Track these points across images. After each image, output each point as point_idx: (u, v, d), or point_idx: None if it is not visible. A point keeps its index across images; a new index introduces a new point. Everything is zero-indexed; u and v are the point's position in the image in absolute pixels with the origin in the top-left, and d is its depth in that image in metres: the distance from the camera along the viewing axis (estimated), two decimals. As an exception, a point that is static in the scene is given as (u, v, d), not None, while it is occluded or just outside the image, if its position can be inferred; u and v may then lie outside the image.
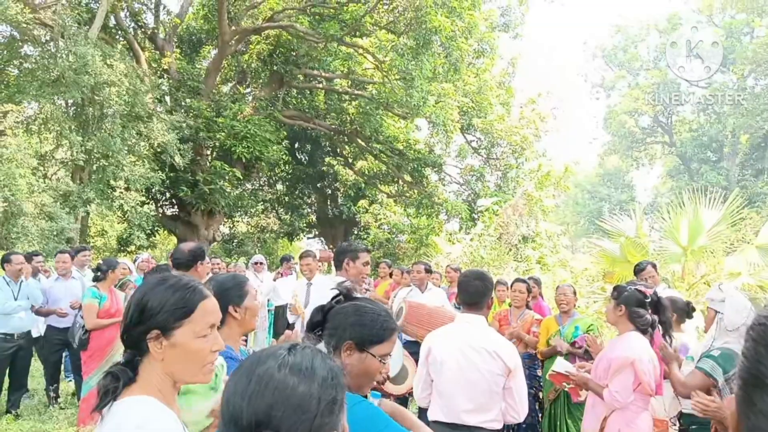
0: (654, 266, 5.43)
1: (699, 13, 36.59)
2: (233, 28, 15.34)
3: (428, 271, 6.45)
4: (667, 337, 3.61)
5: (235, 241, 21.90)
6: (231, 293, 2.30)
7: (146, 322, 1.42)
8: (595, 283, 11.86)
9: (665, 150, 37.83)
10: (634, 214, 10.53)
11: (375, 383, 1.88)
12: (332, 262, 3.82)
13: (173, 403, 1.48)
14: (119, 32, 15.70)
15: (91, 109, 11.82)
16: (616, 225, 10.51)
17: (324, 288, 2.56)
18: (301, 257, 6.05)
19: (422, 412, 5.39)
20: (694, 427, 3.35)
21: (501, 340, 3.03)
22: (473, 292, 3.04)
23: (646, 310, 3.29)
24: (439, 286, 7.00)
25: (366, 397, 1.85)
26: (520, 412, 2.95)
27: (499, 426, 2.97)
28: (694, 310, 4.22)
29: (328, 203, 22.84)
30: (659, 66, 37.48)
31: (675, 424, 3.61)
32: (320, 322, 1.86)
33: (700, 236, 9.08)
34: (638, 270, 5.39)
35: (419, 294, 5.85)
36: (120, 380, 1.38)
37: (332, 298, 1.91)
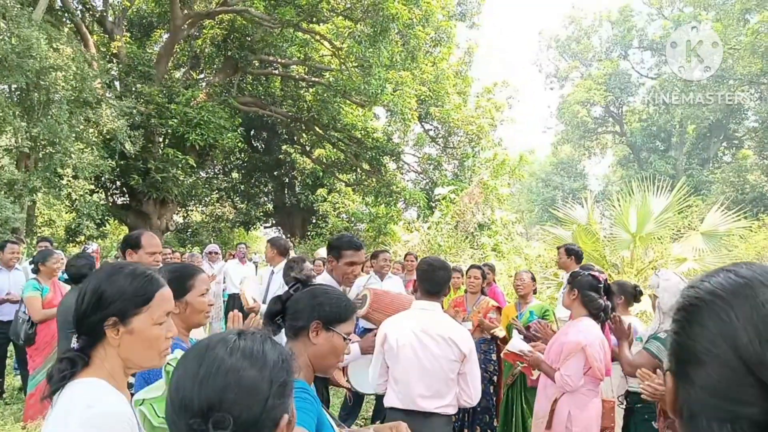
0: (567, 251, 5.66)
1: (650, 6, 37.60)
2: (186, 11, 14.93)
3: (388, 259, 6.47)
4: (609, 321, 3.74)
5: (190, 230, 21.47)
6: (170, 286, 2.22)
7: (103, 310, 1.44)
8: (549, 269, 12.14)
9: (616, 139, 38.88)
10: (585, 202, 10.76)
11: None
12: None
13: (124, 388, 1.49)
14: (66, 15, 15.08)
15: (36, 94, 11.32)
16: (568, 213, 10.70)
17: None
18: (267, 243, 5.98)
19: (379, 399, 5.44)
20: (639, 405, 3.47)
21: (455, 327, 3.06)
22: (438, 281, 3.07)
23: (599, 295, 3.39)
24: (397, 275, 7.03)
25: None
26: (473, 397, 3.01)
27: (454, 411, 3.02)
28: (641, 293, 4.37)
29: (286, 192, 22.61)
30: (611, 57, 38.40)
31: (622, 403, 3.74)
32: (279, 311, 1.88)
33: (648, 223, 9.33)
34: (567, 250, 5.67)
35: (379, 282, 5.86)
36: (76, 365, 1.40)
37: (290, 287, 1.91)
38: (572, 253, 5.52)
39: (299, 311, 1.84)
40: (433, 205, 17.32)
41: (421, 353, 2.94)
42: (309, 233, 20.44)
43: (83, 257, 4.59)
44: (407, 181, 19.45)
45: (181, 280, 2.23)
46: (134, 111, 13.41)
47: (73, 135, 11.62)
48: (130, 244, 3.39)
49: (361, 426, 5.19)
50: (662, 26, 36.65)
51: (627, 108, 37.30)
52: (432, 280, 3.07)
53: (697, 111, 26.95)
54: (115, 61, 15.36)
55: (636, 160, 35.77)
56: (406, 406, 2.97)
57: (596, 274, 3.52)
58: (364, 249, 3.66)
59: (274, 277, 5.25)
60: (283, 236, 22.70)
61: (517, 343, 3.87)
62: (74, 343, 1.45)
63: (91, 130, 12.12)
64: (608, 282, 3.54)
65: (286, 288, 1.98)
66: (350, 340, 1.88)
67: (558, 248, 5.95)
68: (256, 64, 17.09)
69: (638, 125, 35.21)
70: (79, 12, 15.56)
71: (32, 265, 5.45)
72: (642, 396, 3.14)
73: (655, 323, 3.56)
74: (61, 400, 1.37)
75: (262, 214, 23.38)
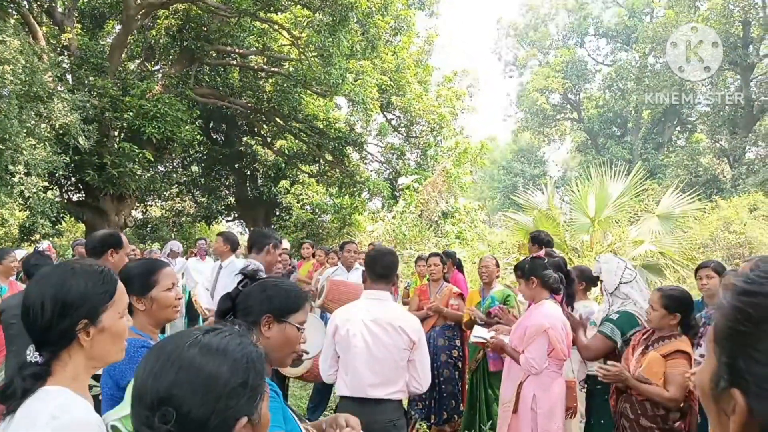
0: (535, 239, 5.44)
1: (605, -7, 38.29)
2: (138, 1, 14.51)
3: (355, 251, 6.48)
4: (570, 308, 3.85)
5: (149, 226, 21.01)
6: (134, 283, 2.17)
7: (71, 315, 1.40)
8: (511, 254, 12.35)
9: (574, 126, 39.60)
10: (545, 188, 10.94)
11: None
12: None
13: (86, 391, 1.47)
14: (12, 5, 14.48)
15: (-19, 88, 10.90)
16: (529, 199, 10.87)
17: (234, 271, 2.52)
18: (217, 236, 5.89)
19: (327, 388, 5.45)
20: (598, 386, 3.59)
21: (405, 315, 3.11)
22: (387, 265, 3.10)
23: (551, 270, 3.50)
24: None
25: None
26: (422, 383, 3.06)
27: (404, 396, 3.07)
28: (598, 276, 4.50)
29: (248, 184, 22.30)
30: (568, 45, 39.01)
31: (583, 387, 3.86)
32: (230, 308, 1.86)
33: (606, 207, 9.56)
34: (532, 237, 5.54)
35: (346, 273, 5.85)
36: (40, 378, 1.36)
37: (238, 283, 1.90)
38: (536, 241, 5.35)
39: (249, 306, 1.82)
40: (397, 194, 17.38)
41: (371, 342, 2.97)
42: (273, 226, 20.26)
43: (44, 256, 4.48)
44: (371, 171, 19.43)
45: (145, 275, 2.20)
46: (87, 104, 13.01)
47: (24, 130, 11.21)
48: (113, 243, 3.31)
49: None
50: (617, 14, 37.39)
51: (584, 95, 38.00)
52: (381, 264, 3.10)
53: (651, 96, 27.66)
54: (66, 53, 14.86)
55: (594, 145, 36.52)
56: (356, 394, 3.01)
57: (535, 255, 3.66)
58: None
59: (222, 272, 5.11)
60: (246, 230, 22.46)
61: (479, 332, 3.95)
62: (35, 357, 1.39)
63: (42, 125, 11.71)
64: (567, 265, 3.64)
65: (233, 282, 1.97)
66: (303, 329, 1.86)
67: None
68: (213, 55, 16.77)
69: (595, 111, 35.93)
70: (26, 3, 14.97)
71: None
72: (599, 378, 3.28)
73: (605, 305, 3.70)
74: (22, 412, 1.32)
75: (223, 207, 23.02)
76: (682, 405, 3.12)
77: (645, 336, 3.30)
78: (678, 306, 3.17)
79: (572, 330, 3.53)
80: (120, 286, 1.53)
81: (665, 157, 30.25)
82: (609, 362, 3.31)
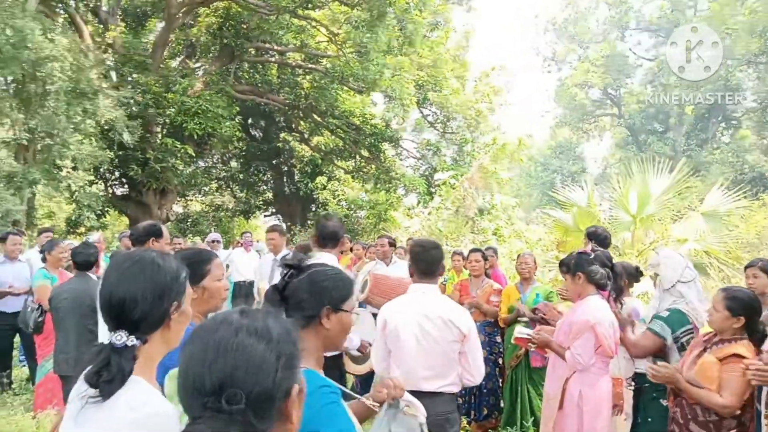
0: (590, 235, 5.20)
1: (646, -14, 37.34)
2: (180, 0, 14.81)
3: (392, 244, 6.50)
4: (618, 303, 3.77)
5: (190, 220, 21.44)
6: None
7: (166, 299, 1.46)
8: (549, 252, 12.17)
9: (614, 122, 38.76)
10: (585, 184, 10.75)
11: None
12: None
13: (154, 378, 1.50)
14: (60, 4, 14.95)
15: (33, 85, 11.25)
16: (568, 196, 10.70)
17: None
18: (267, 232, 6.00)
19: None
20: (647, 385, 3.50)
21: (454, 307, 3.09)
22: (431, 261, 3.10)
23: (597, 265, 3.42)
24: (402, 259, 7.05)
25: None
26: (475, 375, 3.04)
27: (458, 389, 3.06)
28: (642, 273, 4.40)
29: (285, 180, 22.55)
30: (608, 39, 38.19)
31: (631, 385, 3.77)
32: (279, 301, 1.86)
33: (648, 205, 9.35)
34: (589, 233, 5.32)
35: (384, 267, 5.88)
36: (131, 364, 1.38)
37: (285, 275, 1.90)
38: (593, 237, 4.92)
39: (303, 300, 1.82)
40: (433, 190, 17.31)
41: (421, 336, 2.97)
42: (309, 221, 20.43)
43: (89, 245, 4.65)
44: (406, 167, 19.41)
45: (197, 265, 2.21)
46: (131, 101, 13.34)
47: (71, 126, 11.56)
48: (154, 233, 3.44)
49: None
50: (659, 7, 36.40)
51: (625, 90, 37.16)
52: (425, 260, 3.09)
53: (695, 92, 26.88)
54: (110, 51, 15.26)
55: (635, 142, 35.71)
56: (409, 387, 2.99)
57: (581, 250, 3.58)
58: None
59: (277, 265, 5.23)
60: (283, 224, 22.71)
61: (522, 330, 3.91)
62: (131, 341, 1.39)
63: (88, 121, 12.05)
64: (611, 259, 3.57)
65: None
66: (357, 313, 1.89)
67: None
68: (253, 52, 16.98)
69: (636, 107, 35.10)
70: (72, 2, 15.43)
71: (41, 254, 5.52)
72: (649, 384, 3.18)
73: (656, 302, 3.60)
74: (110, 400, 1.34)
75: (261, 202, 23.34)
76: (739, 413, 2.96)
77: (706, 338, 3.16)
78: (742, 309, 2.99)
79: (620, 328, 3.45)
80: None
81: (709, 153, 29.40)
82: (660, 363, 3.20)
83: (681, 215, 10.89)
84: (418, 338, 2.96)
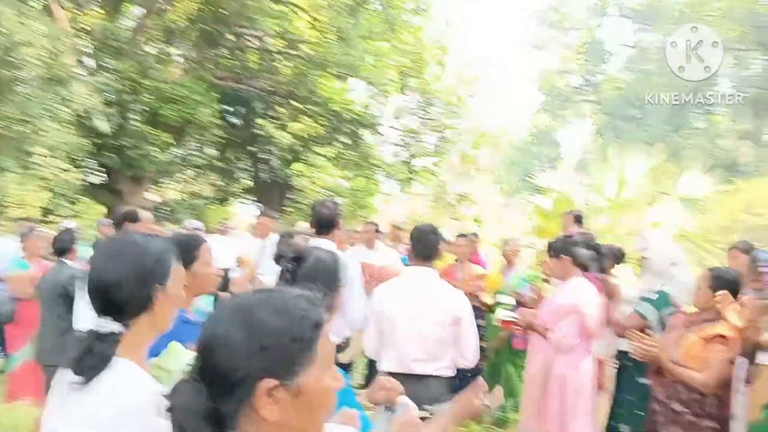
0: (575, 217, 5.41)
1: (625, -27, 37.47)
2: (157, -17, 14.52)
3: (377, 230, 6.50)
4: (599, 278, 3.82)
5: (166, 208, 21.16)
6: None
7: (150, 282, 1.43)
8: (528, 237, 12.31)
9: (593, 108, 39.04)
10: (564, 170, 10.88)
11: None
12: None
13: (144, 362, 1.49)
14: (33, -12, 14.55)
15: (5, 71, 10.98)
16: (547, 182, 10.82)
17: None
18: (258, 217, 5.98)
19: (373, 364, 5.49)
20: (629, 363, 3.58)
21: (450, 290, 3.11)
22: (429, 244, 3.12)
23: (581, 247, 3.47)
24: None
25: None
26: (469, 359, 3.07)
27: (452, 373, 3.08)
28: (624, 255, 4.48)
29: (263, 167, 22.33)
30: (589, 25, 38.34)
31: (616, 363, 3.85)
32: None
33: (625, 190, 9.51)
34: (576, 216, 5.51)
35: (368, 253, 5.88)
36: (115, 346, 1.36)
37: (292, 261, 1.89)
38: (579, 220, 5.18)
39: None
40: (413, 177, 17.31)
41: (415, 318, 2.98)
42: (287, 208, 20.30)
43: (69, 231, 4.62)
44: (387, 153, 19.36)
45: (186, 250, 2.20)
46: (108, 87, 13.08)
47: (46, 113, 11.32)
48: (129, 217, 3.40)
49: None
50: (639, -6, 36.60)
51: (604, 76, 37.40)
52: (424, 244, 3.11)
53: (672, 78, 27.13)
54: (86, 36, 14.91)
55: (612, 128, 36.01)
56: (401, 370, 3.01)
57: (566, 233, 3.64)
58: None
59: (267, 251, 5.20)
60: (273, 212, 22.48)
61: (506, 313, 3.95)
62: (114, 327, 1.39)
63: (64, 108, 11.81)
64: (595, 241, 3.63)
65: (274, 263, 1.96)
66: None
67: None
68: (232, 38, 16.72)
69: (615, 93, 35.38)
70: (46, -15, 15.02)
71: (22, 243, 5.46)
72: (631, 355, 3.24)
73: (641, 283, 3.66)
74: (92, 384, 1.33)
75: (239, 190, 23.10)
76: (720, 392, 3.03)
77: (689, 318, 3.21)
78: (725, 287, 3.05)
79: (609, 299, 3.50)
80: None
81: (685, 139, 29.79)
82: (646, 340, 3.24)
83: (657, 200, 11.07)
84: (413, 320, 2.98)
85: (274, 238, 5.19)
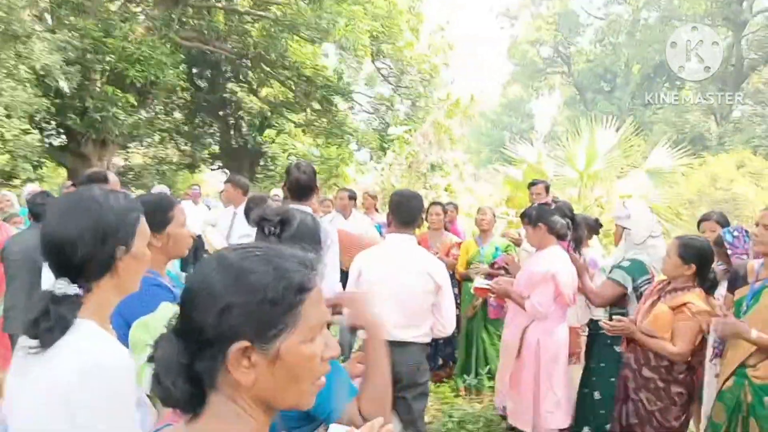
0: (546, 187, 5.64)
1: (598, -56, 37.35)
2: (119, -63, 13.86)
3: (351, 197, 6.46)
4: (577, 253, 3.84)
5: (132, 173, 20.67)
6: (151, 218, 2.11)
7: (110, 242, 1.32)
8: (499, 207, 12.40)
9: (563, 80, 39.27)
10: (535, 141, 10.93)
11: None
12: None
13: (108, 323, 1.40)
14: (-16, -63, 13.74)
15: (-43, 25, 10.43)
16: (518, 152, 10.86)
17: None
18: (224, 183, 5.86)
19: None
20: (600, 331, 3.61)
21: (430, 258, 3.08)
22: (410, 211, 3.07)
23: (558, 216, 3.47)
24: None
25: None
26: (447, 327, 3.07)
27: (428, 339, 3.08)
28: (601, 225, 4.51)
29: (232, 133, 21.89)
30: (560, -4, 38.27)
31: (584, 331, 3.89)
32: None
33: (595, 162, 9.62)
34: (531, 185, 5.66)
35: (342, 220, 5.82)
36: (77, 309, 1.27)
37: (277, 224, 1.80)
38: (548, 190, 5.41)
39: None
40: (386, 145, 17.19)
41: (396, 285, 2.95)
42: (258, 176, 20.02)
43: (47, 194, 4.41)
44: (359, 121, 19.16)
45: (160, 211, 2.10)
46: (68, 46, 12.52)
47: (3, 71, 10.84)
48: (97, 179, 3.22)
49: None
50: (611, -35, 36.58)
51: (575, 48, 37.56)
52: (406, 210, 3.06)
53: (642, 51, 27.38)
54: (45, -9, 14.22)
55: (582, 100, 36.35)
56: None
57: (542, 201, 3.63)
58: None
59: (237, 218, 5.08)
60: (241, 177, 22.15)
61: (481, 281, 3.95)
62: (72, 289, 1.29)
63: (22, 66, 11.29)
64: (572, 210, 3.62)
65: (250, 228, 1.88)
66: None
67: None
68: (198, -4, 16.16)
69: (585, 66, 35.61)
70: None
71: None
72: (603, 331, 3.27)
73: (619, 253, 3.68)
74: (53, 348, 1.24)
75: (207, 156, 22.66)
76: (690, 359, 3.09)
77: (659, 287, 3.25)
78: (694, 257, 3.06)
79: (577, 274, 3.52)
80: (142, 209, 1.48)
81: (653, 113, 30.26)
82: (615, 317, 3.29)
83: (625, 173, 11.23)
84: (393, 288, 2.94)
85: (244, 204, 5.07)
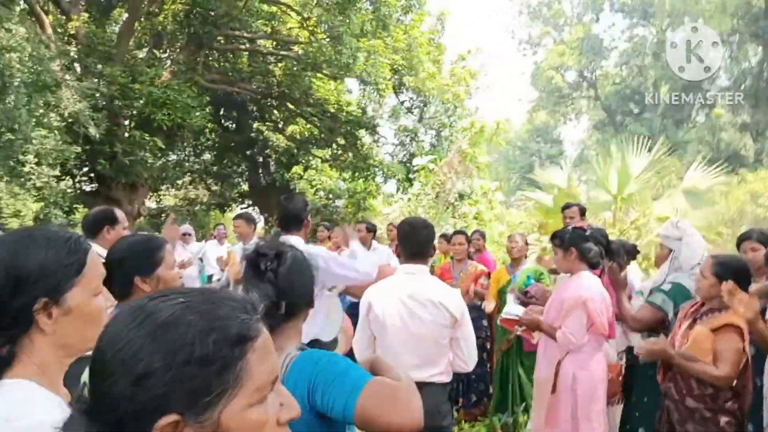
0: (581, 210, 5.44)
1: (618, -32, 37.40)
2: (145, -13, 14.32)
3: (370, 230, 6.34)
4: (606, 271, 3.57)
5: (163, 215, 20.95)
6: (140, 260, 1.97)
7: (27, 292, 1.11)
8: (531, 234, 12.12)
9: (590, 104, 38.94)
10: (564, 166, 10.74)
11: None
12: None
13: (59, 384, 1.18)
14: (17, -6, 14.33)
15: (-10, 77, 10.77)
16: (548, 178, 10.69)
17: None
18: (234, 219, 5.79)
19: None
20: (643, 361, 3.32)
21: (445, 289, 2.85)
22: (422, 241, 2.85)
23: (592, 242, 3.23)
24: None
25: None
26: (468, 362, 2.82)
27: (448, 379, 2.82)
28: (638, 252, 4.24)
29: (260, 171, 22.13)
30: (583, 21, 38.25)
31: (622, 359, 3.60)
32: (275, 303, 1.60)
33: (628, 184, 9.39)
34: (564, 208, 5.44)
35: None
36: (4, 370, 1.09)
37: (273, 259, 1.63)
38: (583, 212, 5.24)
39: (301, 295, 1.64)
40: (412, 176, 17.10)
41: (409, 320, 2.72)
42: (287, 212, 20.06)
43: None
44: (384, 153, 19.17)
45: (151, 252, 1.98)
46: (96, 93, 12.86)
47: (33, 120, 11.11)
48: (108, 219, 3.13)
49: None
50: (632, -12, 36.51)
51: (600, 72, 37.31)
52: (415, 241, 2.84)
53: (669, 72, 26.98)
54: (73, 42, 14.70)
55: (611, 123, 35.91)
56: None
57: (576, 225, 3.42)
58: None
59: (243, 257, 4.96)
60: (254, 214, 22.29)
61: (512, 309, 3.69)
62: None
63: (52, 115, 11.60)
64: (607, 238, 3.37)
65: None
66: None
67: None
68: (222, 40, 16.52)
69: (612, 88, 35.28)
70: (31, -9, 14.81)
71: None
72: (638, 355, 3.00)
73: (660, 276, 3.40)
74: None
75: (237, 195, 22.91)
76: (734, 384, 2.83)
77: (693, 308, 2.99)
78: (730, 274, 2.81)
79: (615, 291, 3.24)
80: (93, 257, 1.23)
81: (685, 132, 29.67)
82: (651, 338, 3.03)
83: (661, 193, 10.89)
84: (406, 322, 2.71)
85: (255, 240, 4.97)
